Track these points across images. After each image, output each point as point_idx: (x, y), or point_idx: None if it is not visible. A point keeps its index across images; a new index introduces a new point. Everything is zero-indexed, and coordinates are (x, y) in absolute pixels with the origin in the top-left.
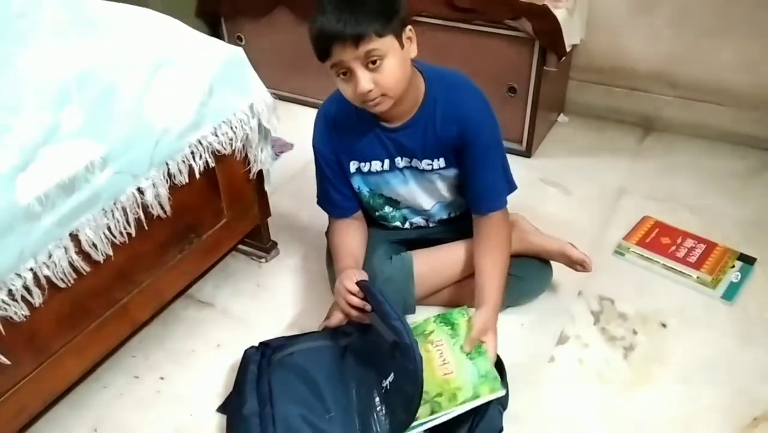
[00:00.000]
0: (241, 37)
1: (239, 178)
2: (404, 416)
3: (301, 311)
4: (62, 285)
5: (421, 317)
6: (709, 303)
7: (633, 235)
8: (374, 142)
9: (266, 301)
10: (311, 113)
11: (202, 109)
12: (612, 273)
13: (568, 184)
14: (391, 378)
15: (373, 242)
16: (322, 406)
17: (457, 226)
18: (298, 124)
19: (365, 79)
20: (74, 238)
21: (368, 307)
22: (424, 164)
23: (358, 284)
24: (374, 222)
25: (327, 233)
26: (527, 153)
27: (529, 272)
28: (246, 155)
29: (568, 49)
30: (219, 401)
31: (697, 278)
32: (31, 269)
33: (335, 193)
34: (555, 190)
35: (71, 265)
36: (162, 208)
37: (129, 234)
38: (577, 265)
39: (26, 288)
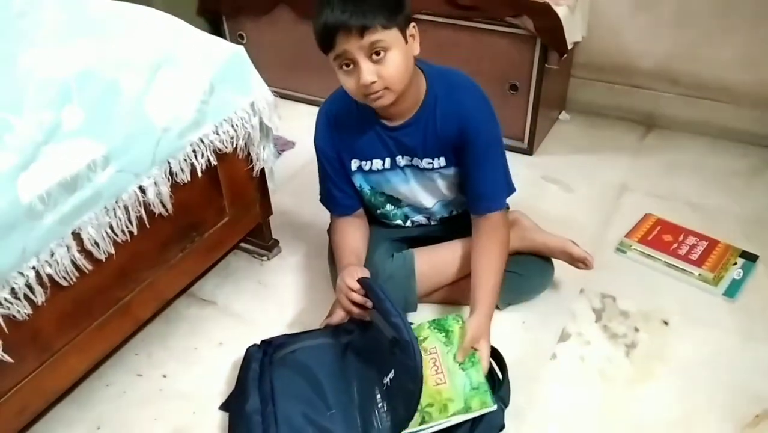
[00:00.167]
0: (243, 36)
1: (241, 176)
2: (405, 412)
3: (303, 309)
4: (64, 283)
5: (416, 320)
6: (711, 301)
7: (635, 232)
8: (375, 140)
9: (268, 299)
10: (313, 111)
11: (204, 108)
12: (614, 270)
13: (570, 182)
14: (392, 375)
15: (374, 240)
16: (324, 403)
17: (458, 224)
18: (300, 123)
19: (368, 71)
20: (76, 236)
21: (369, 304)
22: (425, 163)
23: (359, 281)
24: (376, 220)
25: (329, 231)
26: (529, 151)
27: (531, 269)
28: (248, 153)
29: (569, 46)
30: (221, 399)
31: (699, 275)
32: (34, 268)
33: (337, 191)
34: (556, 187)
35: (73, 263)
36: (164, 206)
37: (131, 232)
38: (579, 262)
39: (29, 286)
